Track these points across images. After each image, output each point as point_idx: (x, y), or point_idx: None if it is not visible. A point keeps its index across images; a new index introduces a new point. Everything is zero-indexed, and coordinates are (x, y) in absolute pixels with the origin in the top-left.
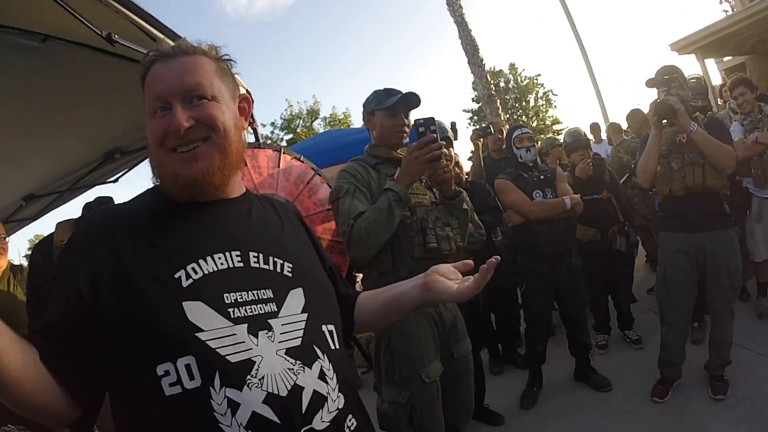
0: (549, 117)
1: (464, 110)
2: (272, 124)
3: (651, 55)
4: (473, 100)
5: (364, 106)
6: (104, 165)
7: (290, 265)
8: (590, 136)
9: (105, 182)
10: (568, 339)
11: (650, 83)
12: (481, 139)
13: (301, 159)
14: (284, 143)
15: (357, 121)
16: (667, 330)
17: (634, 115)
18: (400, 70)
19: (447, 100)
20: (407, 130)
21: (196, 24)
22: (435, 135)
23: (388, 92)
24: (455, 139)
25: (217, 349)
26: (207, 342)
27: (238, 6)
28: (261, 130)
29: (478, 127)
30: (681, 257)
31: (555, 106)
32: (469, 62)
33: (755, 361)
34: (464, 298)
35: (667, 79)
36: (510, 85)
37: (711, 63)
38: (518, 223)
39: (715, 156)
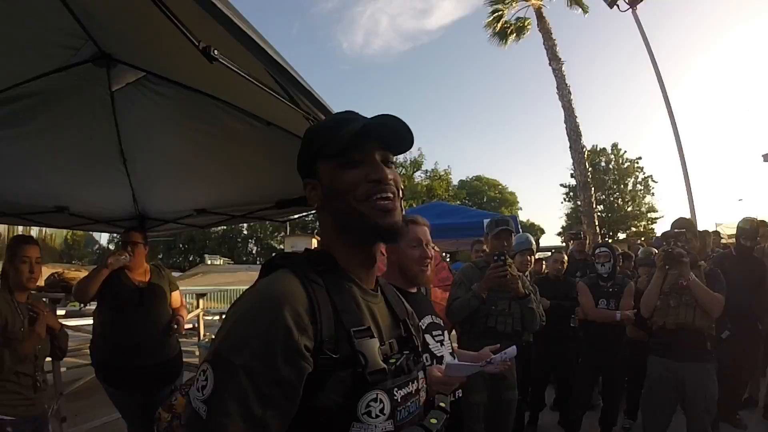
0: (645, 203)
1: (561, 184)
2: None
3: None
4: (571, 176)
5: (487, 226)
6: (274, 209)
7: None
8: None
9: (273, 220)
10: (602, 412)
11: (663, 237)
12: (572, 241)
13: (435, 248)
14: None
15: (456, 177)
16: None
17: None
18: (501, 135)
19: (546, 170)
20: (506, 248)
21: (313, 54)
22: (503, 262)
23: (497, 222)
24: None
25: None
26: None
27: (354, 45)
28: None
29: (573, 231)
30: (664, 381)
31: (653, 194)
32: (570, 147)
33: None
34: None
35: (677, 232)
36: (611, 166)
37: None
38: (582, 318)
39: (705, 302)
